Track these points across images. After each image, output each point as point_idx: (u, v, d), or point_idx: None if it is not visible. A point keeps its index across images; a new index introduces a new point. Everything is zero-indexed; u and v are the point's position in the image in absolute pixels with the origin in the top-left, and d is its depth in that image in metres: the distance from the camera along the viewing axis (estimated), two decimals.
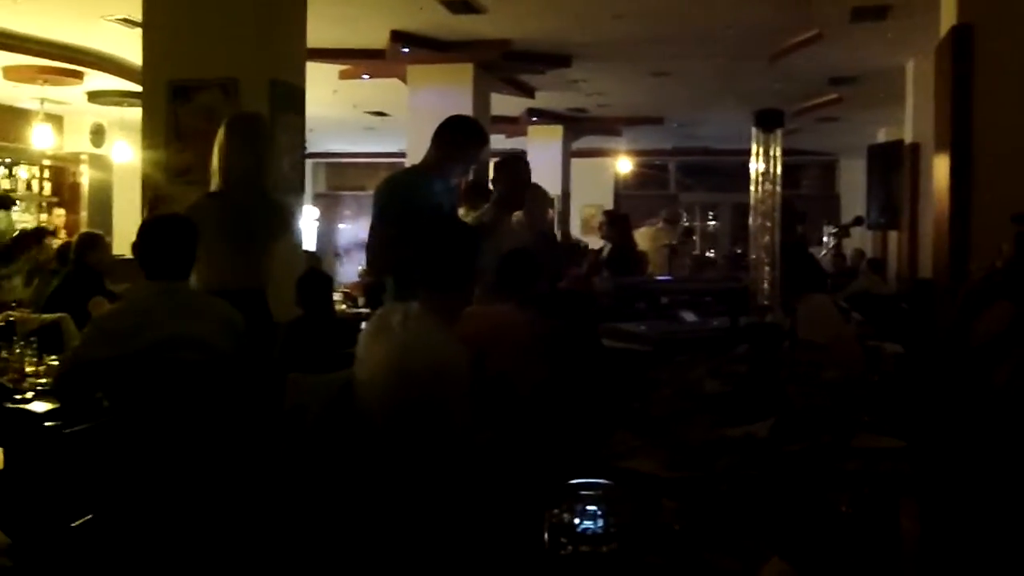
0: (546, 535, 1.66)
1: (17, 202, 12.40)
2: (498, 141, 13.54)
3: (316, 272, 5.59)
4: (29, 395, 3.97)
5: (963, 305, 4.47)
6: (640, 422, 3.02)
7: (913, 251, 9.93)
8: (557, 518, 1.64)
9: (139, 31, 5.68)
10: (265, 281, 4.40)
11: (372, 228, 4.53)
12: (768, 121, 3.72)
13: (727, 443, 2.73)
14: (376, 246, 4.50)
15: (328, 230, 19.15)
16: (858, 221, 11.25)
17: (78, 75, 10.77)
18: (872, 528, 1.93)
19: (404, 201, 4.50)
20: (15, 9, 8.54)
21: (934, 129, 5.24)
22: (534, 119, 14.44)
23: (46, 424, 3.65)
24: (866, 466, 2.50)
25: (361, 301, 9.59)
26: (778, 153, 3.70)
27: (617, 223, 9.42)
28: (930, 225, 8.92)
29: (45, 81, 10.96)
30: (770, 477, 2.49)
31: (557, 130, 15.09)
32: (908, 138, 10.49)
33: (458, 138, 4.68)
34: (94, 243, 6.48)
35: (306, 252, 7.04)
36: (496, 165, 5.32)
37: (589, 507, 1.64)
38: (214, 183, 4.37)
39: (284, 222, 4.57)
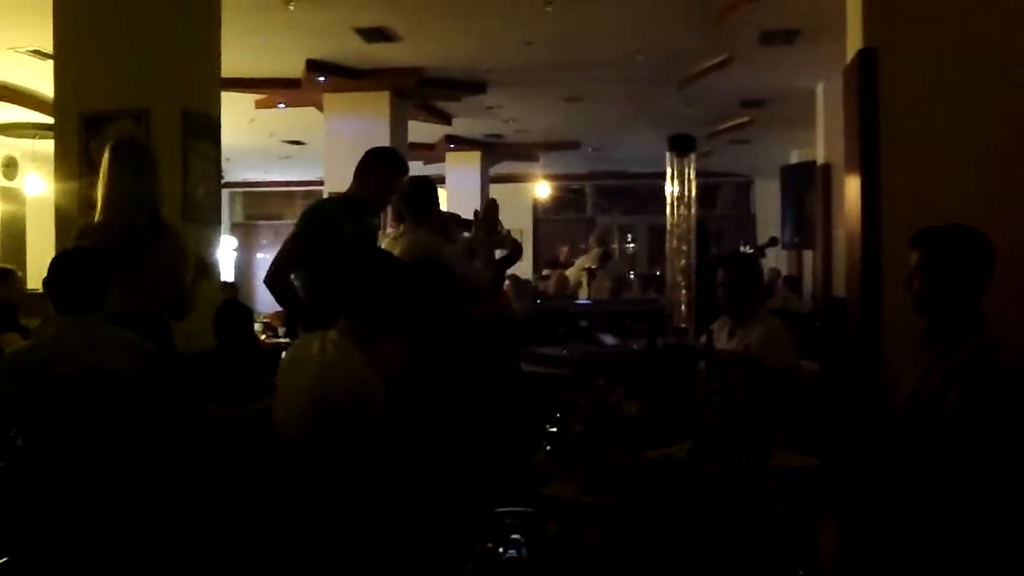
0: (469, 564, 1.67)
1: None
2: (416, 168, 13.52)
3: (234, 303, 5.52)
4: None
5: None
6: (559, 446, 3.04)
7: (827, 270, 10.14)
8: (480, 546, 1.65)
9: (49, 63, 5.59)
10: (164, 306, 4.35)
11: (283, 243, 4.61)
12: (681, 145, 3.79)
13: (646, 465, 2.76)
14: (280, 260, 4.57)
15: (246, 259, 18.94)
16: (773, 242, 11.47)
17: None
18: (790, 546, 1.97)
19: (324, 228, 4.54)
20: None
21: (844, 150, 5.38)
22: (452, 145, 14.49)
23: None
24: (783, 485, 2.55)
25: (282, 331, 9.49)
26: (692, 176, 3.78)
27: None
28: (843, 244, 9.16)
29: None
30: (689, 498, 2.52)
31: (475, 156, 15.15)
32: (820, 159, 10.73)
33: (376, 168, 4.75)
34: (5, 277, 6.34)
35: (223, 283, 6.95)
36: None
37: (512, 535, 1.65)
38: (97, 211, 4.34)
39: (177, 247, 4.49)
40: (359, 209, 4.72)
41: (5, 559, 2.99)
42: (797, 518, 2.08)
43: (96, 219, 4.34)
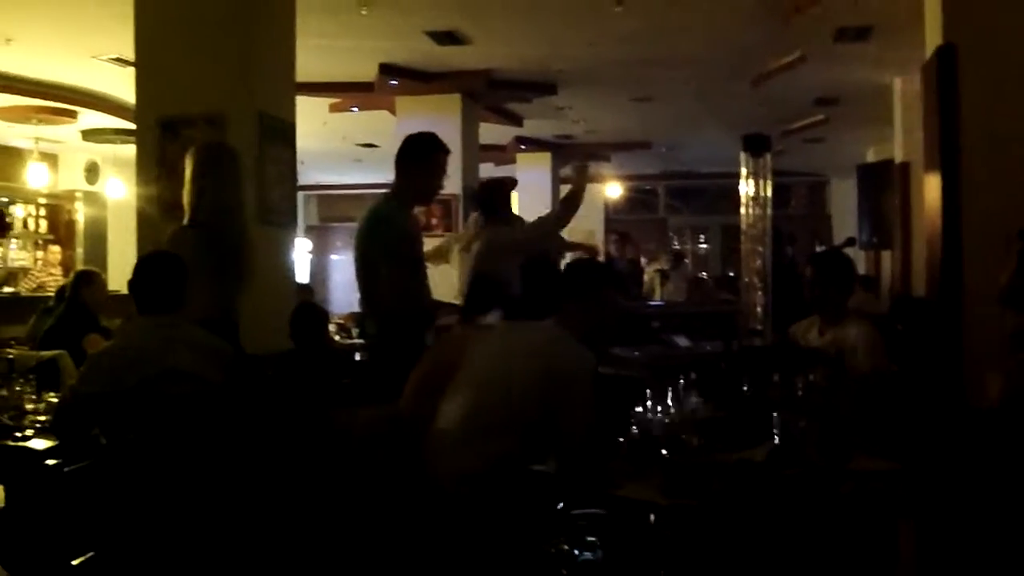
0: (546, 565, 1.67)
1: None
2: (487, 169, 13.59)
3: (309, 305, 5.60)
4: (29, 432, 3.96)
5: None
6: (634, 449, 3.03)
7: (906, 270, 9.95)
8: (556, 548, 1.65)
9: (131, 69, 5.72)
10: (237, 312, 4.43)
11: (370, 269, 4.51)
12: (755, 145, 3.76)
13: (723, 468, 2.73)
14: (382, 285, 4.47)
15: (320, 262, 19.18)
16: (850, 242, 11.27)
17: (72, 114, 10.83)
18: (870, 552, 1.94)
19: (393, 235, 4.53)
20: (9, 50, 8.59)
21: (923, 148, 5.27)
22: (522, 147, 14.50)
23: (47, 462, 3.64)
24: (863, 489, 2.51)
25: (355, 332, 9.59)
26: (767, 177, 3.74)
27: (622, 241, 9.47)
28: (922, 244, 8.98)
29: (39, 120, 11.02)
30: (767, 502, 2.50)
31: (545, 157, 15.14)
32: (898, 157, 10.53)
33: (427, 155, 4.68)
34: (89, 280, 6.49)
35: (299, 285, 7.04)
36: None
37: (588, 537, 1.65)
38: (186, 214, 4.42)
39: (253, 254, 4.58)
40: (411, 204, 4.73)
41: (91, 554, 3.06)
42: (877, 523, 2.05)
43: (186, 221, 4.42)
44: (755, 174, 3.63)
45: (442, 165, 4.71)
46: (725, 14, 7.98)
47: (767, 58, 9.43)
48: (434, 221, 10.25)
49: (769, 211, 3.68)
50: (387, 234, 4.51)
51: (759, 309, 3.64)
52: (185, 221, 4.45)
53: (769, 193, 3.65)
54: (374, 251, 4.49)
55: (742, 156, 3.68)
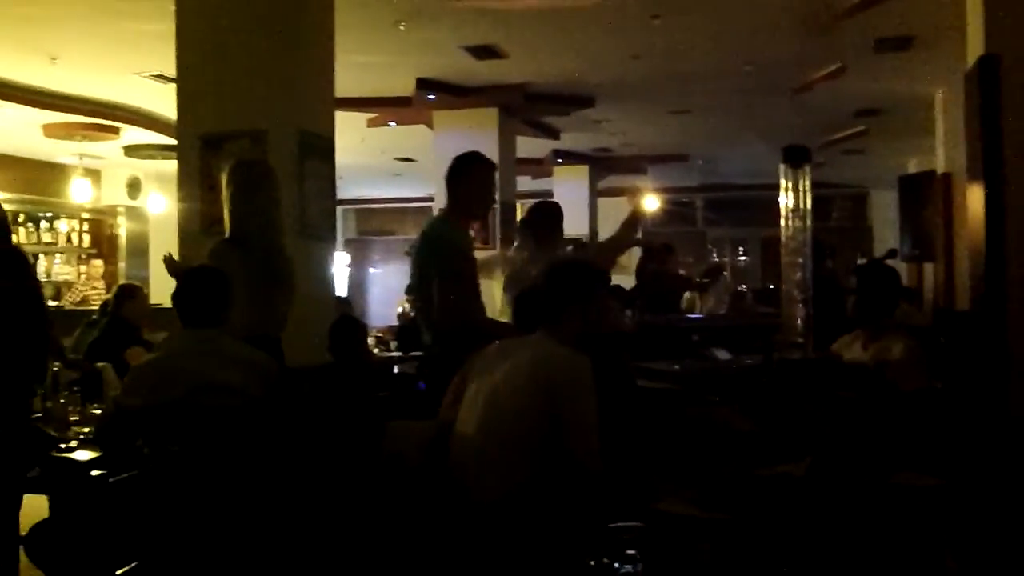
0: None
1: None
2: (524, 183, 13.61)
3: (348, 318, 5.63)
4: (73, 444, 4.01)
5: None
6: (672, 463, 3.02)
7: (949, 282, 9.83)
8: (597, 561, 1.65)
9: (171, 86, 5.79)
10: (279, 327, 4.48)
11: (425, 285, 4.61)
12: (795, 157, 3.73)
13: (762, 483, 2.71)
14: (437, 301, 4.55)
15: (358, 275, 19.29)
16: (891, 254, 11.16)
17: (114, 130, 11.00)
18: (913, 568, 1.91)
19: (446, 252, 4.62)
20: (54, 68, 8.75)
21: (966, 159, 5.22)
22: (559, 160, 14.52)
23: (92, 473, 3.69)
24: (906, 505, 2.48)
25: (393, 345, 9.64)
26: (807, 188, 3.71)
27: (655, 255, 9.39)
28: (965, 255, 8.86)
29: (83, 137, 11.18)
30: (807, 517, 2.47)
31: (583, 170, 15.14)
32: (940, 168, 10.43)
33: (474, 171, 4.76)
34: (132, 294, 6.58)
35: (337, 298, 7.09)
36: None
37: (628, 550, 1.64)
38: (227, 230, 4.48)
39: (292, 269, 4.63)
40: (463, 221, 4.81)
41: (135, 563, 3.11)
42: (922, 539, 2.03)
43: (226, 237, 4.47)
44: (795, 186, 3.61)
45: (489, 181, 4.85)
46: (764, 26, 7.96)
47: (806, 69, 9.39)
48: (471, 233, 10.26)
49: (809, 223, 3.65)
50: (441, 252, 4.62)
51: (800, 322, 3.61)
52: (225, 236, 4.50)
53: (809, 205, 3.63)
54: (429, 268, 4.62)
55: (781, 168, 3.66)
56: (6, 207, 4.72)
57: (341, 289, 13.02)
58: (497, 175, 5.16)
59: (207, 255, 4.39)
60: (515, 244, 5.86)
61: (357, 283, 19.00)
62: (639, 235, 5.51)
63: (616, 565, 1.62)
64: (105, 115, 10.51)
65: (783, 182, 3.72)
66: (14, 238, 11.15)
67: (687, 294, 9.83)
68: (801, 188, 3.64)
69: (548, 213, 5.60)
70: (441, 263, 4.56)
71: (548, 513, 2.81)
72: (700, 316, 7.81)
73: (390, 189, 18.07)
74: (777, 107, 10.89)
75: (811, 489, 2.68)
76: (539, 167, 14.42)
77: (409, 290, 12.70)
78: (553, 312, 3.26)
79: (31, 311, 4.59)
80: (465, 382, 3.42)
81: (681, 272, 9.73)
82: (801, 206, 3.63)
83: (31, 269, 4.77)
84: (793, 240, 3.65)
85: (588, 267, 3.49)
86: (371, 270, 19.89)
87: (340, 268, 16.57)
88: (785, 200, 3.71)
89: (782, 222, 3.74)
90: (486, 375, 3.24)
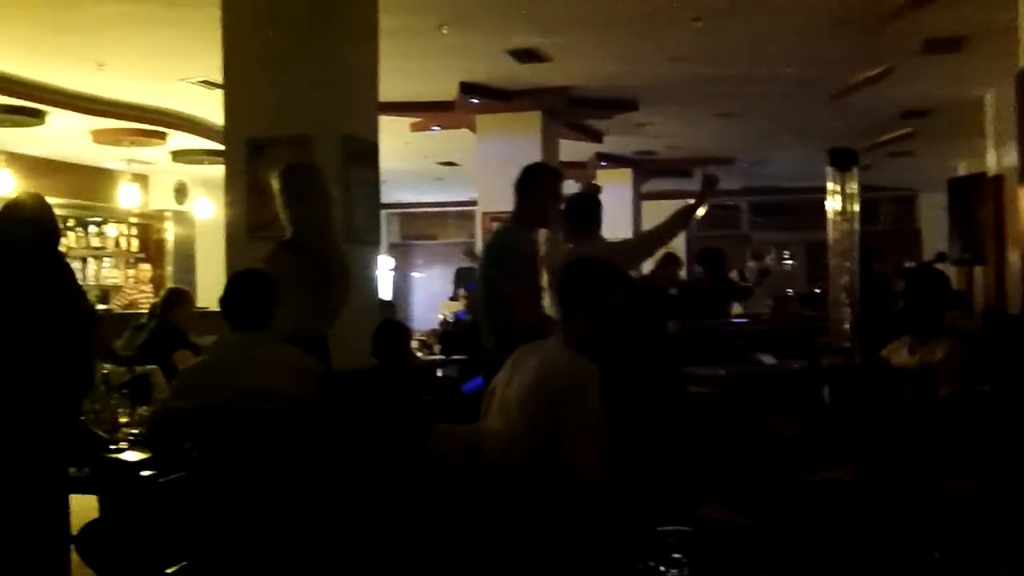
0: None
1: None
2: (568, 186, 13.57)
3: (392, 322, 5.65)
4: (123, 445, 4.06)
5: None
6: (717, 468, 3.00)
7: (1000, 286, 9.69)
8: (643, 565, 1.64)
9: (217, 92, 5.85)
10: (328, 326, 4.53)
11: (491, 289, 4.85)
12: (842, 160, 3.70)
13: (808, 488, 2.69)
14: (514, 299, 4.77)
15: (401, 279, 19.38)
16: (940, 257, 11.02)
17: (162, 136, 11.15)
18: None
19: (511, 257, 4.84)
20: (101, 75, 8.88)
21: (1018, 161, 5.14)
22: (603, 163, 14.48)
23: (142, 473, 3.73)
24: (955, 511, 2.44)
25: (437, 348, 9.66)
26: (854, 191, 3.68)
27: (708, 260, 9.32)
28: (1016, 258, 8.73)
29: (131, 142, 11.35)
30: (853, 523, 2.44)
31: (626, 173, 15.10)
32: (990, 170, 10.28)
33: (540, 181, 4.99)
34: (180, 298, 6.66)
35: (381, 302, 7.12)
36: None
37: (674, 554, 1.63)
38: (288, 233, 4.54)
39: (348, 271, 4.70)
40: (529, 227, 4.98)
41: (184, 563, 3.13)
42: (970, 546, 1.99)
43: (281, 241, 4.53)
44: (842, 189, 3.57)
45: (554, 190, 5.06)
46: (809, 27, 7.90)
47: (852, 71, 9.30)
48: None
49: (857, 226, 3.61)
50: (506, 257, 4.81)
51: (847, 326, 3.57)
52: (283, 239, 4.55)
53: (856, 208, 3.59)
54: (494, 272, 4.86)
55: (828, 171, 3.62)
56: (57, 212, 4.81)
57: (385, 293, 13.10)
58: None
59: (263, 259, 4.45)
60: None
61: (400, 287, 19.09)
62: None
63: (662, 569, 1.62)
64: (152, 121, 10.66)
65: (830, 185, 3.69)
66: (64, 242, 11.43)
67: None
68: (848, 191, 3.60)
69: (584, 204, 5.55)
70: (507, 267, 4.70)
71: (569, 521, 2.80)
72: (745, 320, 7.75)
73: (433, 193, 18.14)
74: (822, 109, 10.79)
75: (857, 495, 2.65)
76: (582, 170, 14.40)
77: (454, 297, 12.81)
78: (563, 312, 3.22)
79: (76, 318, 4.66)
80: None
81: (732, 276, 9.66)
82: (848, 209, 3.60)
83: (72, 275, 4.83)
84: (840, 243, 3.62)
85: (605, 266, 3.40)
86: (414, 274, 19.97)
87: (384, 272, 16.67)
88: (832, 203, 3.68)
89: (829, 225, 3.71)
90: (510, 378, 3.23)
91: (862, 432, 3.21)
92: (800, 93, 10.15)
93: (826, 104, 10.41)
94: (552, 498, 2.91)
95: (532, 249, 5.00)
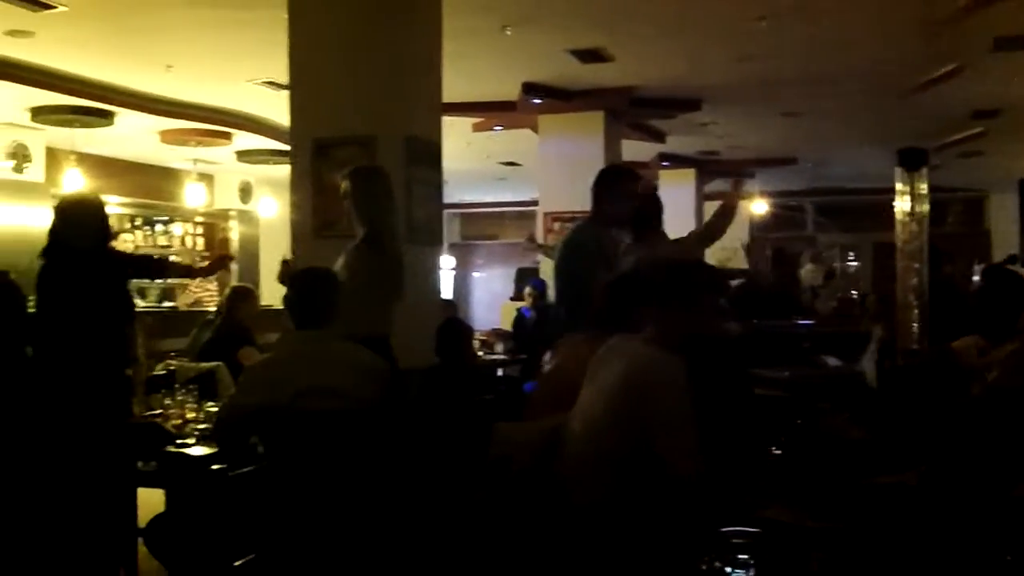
0: None
1: None
2: None
3: (454, 321, 5.68)
4: (190, 440, 4.13)
5: None
6: (781, 470, 2.97)
7: None
8: (708, 565, 1.63)
9: (282, 93, 5.92)
10: (391, 329, 4.60)
11: (566, 286, 4.96)
12: (911, 160, 3.65)
13: (874, 492, 2.65)
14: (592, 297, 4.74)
15: (462, 279, 19.46)
16: (1012, 259, 10.81)
17: (227, 136, 11.32)
18: None
19: (585, 256, 4.91)
20: (169, 76, 9.03)
21: None
22: (665, 163, 14.39)
23: (212, 468, 3.80)
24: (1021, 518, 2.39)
25: (499, 347, 9.68)
26: (924, 192, 3.62)
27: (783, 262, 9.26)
28: None
29: (197, 143, 11.54)
30: (922, 527, 2.41)
31: (689, 173, 14.99)
32: None
33: (618, 183, 5.10)
34: (245, 296, 6.75)
35: (443, 301, 7.16)
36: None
37: (740, 555, 1.62)
38: (357, 232, 4.59)
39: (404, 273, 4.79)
40: (606, 227, 5.05)
41: (252, 556, 3.18)
42: None
43: (360, 241, 4.58)
44: (911, 190, 3.51)
45: (629, 191, 5.12)
46: (876, 26, 7.78)
47: (921, 70, 9.15)
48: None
49: (926, 227, 3.55)
50: (580, 255, 4.89)
51: (915, 328, 3.51)
52: (361, 239, 4.61)
53: (926, 209, 3.53)
54: (570, 270, 4.96)
55: (897, 171, 3.56)
56: (124, 211, 4.92)
57: (446, 293, 13.16)
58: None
59: (346, 256, 4.52)
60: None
61: (461, 287, 19.17)
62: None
63: (728, 570, 1.61)
64: (218, 121, 10.82)
65: (898, 185, 3.63)
66: (132, 240, 11.64)
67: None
68: (917, 192, 3.54)
69: (649, 204, 5.56)
70: (581, 265, 4.75)
71: (651, 518, 2.79)
72: (811, 322, 7.65)
73: (494, 193, 18.19)
74: (891, 108, 10.63)
75: (924, 499, 2.61)
76: (644, 170, 14.30)
77: (516, 297, 12.81)
78: (654, 311, 3.21)
79: (120, 309, 4.78)
80: (556, 385, 3.42)
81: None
82: (917, 210, 3.54)
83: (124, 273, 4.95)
84: (909, 245, 3.56)
85: (694, 268, 3.42)
86: (474, 274, 20.05)
87: (445, 272, 16.76)
88: (900, 204, 3.62)
89: (897, 227, 3.65)
90: (595, 377, 3.23)
91: (929, 435, 3.16)
92: (868, 92, 10.01)
93: (894, 103, 10.25)
94: (631, 496, 2.90)
95: (608, 248, 5.04)
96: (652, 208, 5.42)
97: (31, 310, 4.47)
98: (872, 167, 13.09)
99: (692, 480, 2.84)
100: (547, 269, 9.93)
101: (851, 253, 18.92)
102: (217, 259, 7.98)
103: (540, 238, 10.31)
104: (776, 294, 8.21)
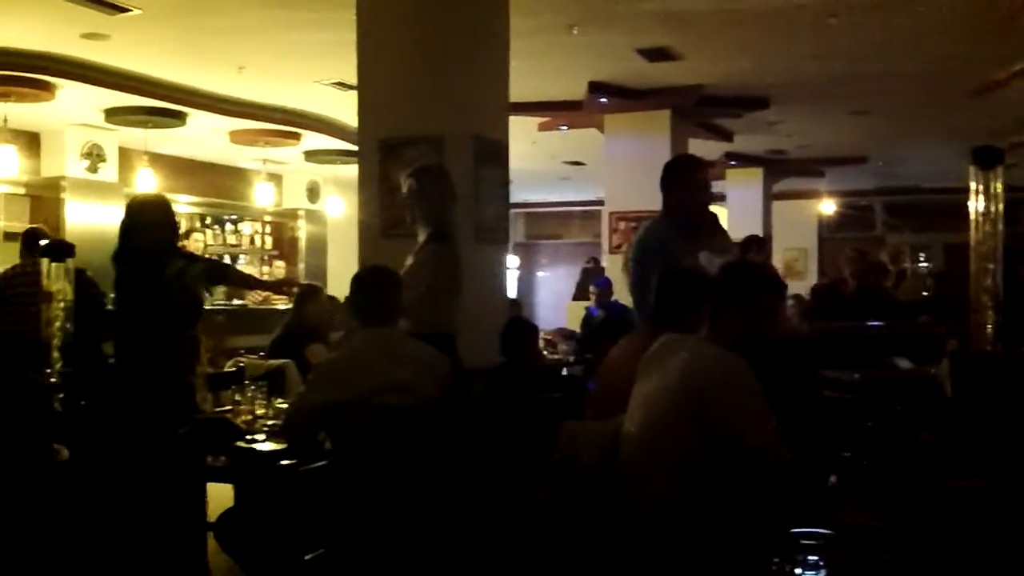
0: None
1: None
2: None
3: (520, 320, 5.70)
4: (260, 436, 4.20)
5: None
6: (851, 472, 2.94)
7: None
8: (779, 566, 1.63)
9: (350, 93, 5.98)
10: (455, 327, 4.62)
11: (638, 283, 4.77)
12: (986, 158, 3.58)
13: (946, 495, 2.62)
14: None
15: (527, 278, 19.50)
16: None
17: (296, 136, 11.47)
18: None
19: (656, 251, 4.74)
20: (241, 77, 9.19)
21: None
22: (732, 163, 14.27)
23: (281, 463, 3.86)
24: None
25: (562, 347, 9.68)
26: (999, 191, 3.55)
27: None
28: None
29: (266, 143, 11.71)
30: (994, 531, 2.38)
31: (756, 173, 14.84)
32: None
33: (686, 174, 4.89)
34: (314, 295, 6.84)
35: (509, 300, 7.19)
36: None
37: (810, 556, 1.62)
38: (422, 235, 4.63)
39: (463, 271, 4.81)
40: (678, 221, 4.86)
41: (322, 550, 3.23)
42: None
43: (434, 239, 4.63)
44: (985, 189, 3.45)
45: (697, 182, 4.90)
46: (948, 23, 7.64)
47: (993, 67, 8.96)
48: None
49: (1000, 228, 3.49)
50: (646, 254, 4.74)
51: (990, 329, 3.45)
52: (435, 238, 4.65)
53: (1000, 208, 3.47)
54: (641, 266, 4.77)
55: (971, 170, 3.50)
56: (195, 210, 5.03)
57: (511, 292, 13.20)
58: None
59: (420, 255, 4.56)
60: None
61: (525, 286, 19.21)
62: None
63: (798, 571, 1.60)
64: (287, 122, 10.98)
65: (972, 185, 3.56)
66: (201, 239, 11.84)
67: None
68: (992, 191, 3.48)
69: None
70: (652, 261, 4.71)
71: (722, 519, 2.78)
72: (881, 324, 7.53)
73: (559, 193, 18.19)
74: (961, 106, 10.42)
75: (996, 502, 2.57)
76: (711, 170, 14.20)
77: (578, 297, 12.78)
78: (714, 311, 3.19)
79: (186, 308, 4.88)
80: (611, 385, 3.41)
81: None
82: (992, 210, 3.48)
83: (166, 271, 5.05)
84: (983, 245, 3.50)
85: (755, 269, 3.39)
86: (539, 274, 20.08)
87: (510, 271, 16.81)
88: (974, 204, 3.56)
89: (971, 227, 3.58)
90: (648, 376, 3.22)
91: (1002, 439, 3.11)
92: (939, 90, 9.83)
93: (967, 101, 10.05)
94: (701, 496, 2.88)
95: (683, 243, 4.86)
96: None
97: (109, 307, 4.58)
98: (944, 166, 12.85)
99: (792, 463, 2.81)
100: (614, 269, 9.90)
101: (922, 254, 18.58)
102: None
103: (605, 238, 10.28)
104: (858, 296, 8.08)
